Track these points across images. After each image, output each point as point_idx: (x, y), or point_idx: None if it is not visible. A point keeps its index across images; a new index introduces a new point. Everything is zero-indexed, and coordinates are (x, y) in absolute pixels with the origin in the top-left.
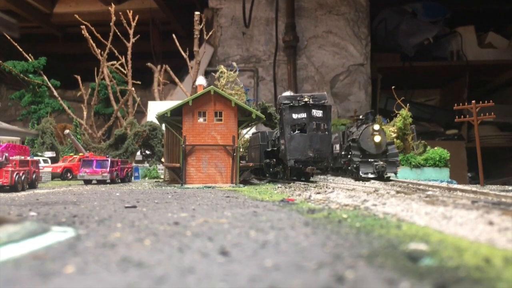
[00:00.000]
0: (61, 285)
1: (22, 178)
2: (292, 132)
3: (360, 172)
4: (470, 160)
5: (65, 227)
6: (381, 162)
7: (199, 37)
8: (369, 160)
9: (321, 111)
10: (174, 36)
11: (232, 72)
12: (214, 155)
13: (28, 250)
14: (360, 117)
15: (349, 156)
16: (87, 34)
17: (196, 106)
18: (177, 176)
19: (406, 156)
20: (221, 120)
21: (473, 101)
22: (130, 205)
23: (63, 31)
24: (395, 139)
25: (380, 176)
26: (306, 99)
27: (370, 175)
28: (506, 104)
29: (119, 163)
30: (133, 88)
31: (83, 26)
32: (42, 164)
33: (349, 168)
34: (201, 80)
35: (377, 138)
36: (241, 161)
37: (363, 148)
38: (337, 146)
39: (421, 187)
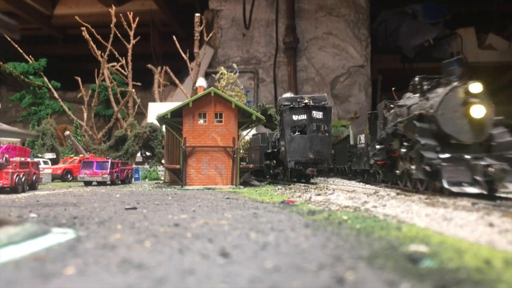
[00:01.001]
0: (61, 287)
1: (23, 179)
2: (292, 133)
3: (445, 181)
4: None
5: (65, 229)
6: (495, 161)
7: (199, 39)
8: (464, 157)
9: (321, 113)
10: (174, 37)
11: (232, 74)
12: (214, 157)
13: (28, 251)
14: (417, 80)
15: (402, 150)
16: (87, 36)
17: (197, 108)
18: (177, 177)
19: None
20: (221, 121)
21: None
22: (130, 206)
23: (64, 33)
24: None
25: (490, 190)
26: (306, 101)
27: (469, 189)
28: (506, 106)
29: (119, 165)
30: (133, 90)
31: (83, 28)
32: (42, 165)
33: (397, 172)
34: (201, 82)
35: (478, 111)
36: (241, 163)
37: (446, 132)
38: (361, 138)
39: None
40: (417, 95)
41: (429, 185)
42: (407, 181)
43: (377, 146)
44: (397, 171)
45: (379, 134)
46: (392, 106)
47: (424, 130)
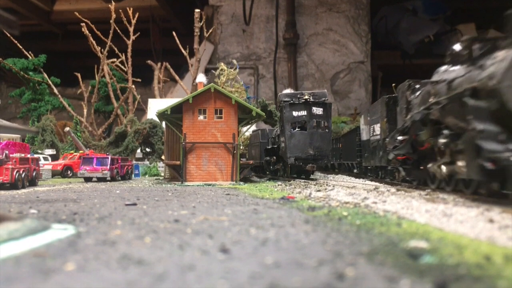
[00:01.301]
0: (61, 283)
1: (22, 175)
2: (292, 129)
3: None
4: None
5: (65, 225)
6: None
7: (199, 35)
8: None
9: (321, 109)
10: (174, 33)
11: (232, 70)
12: (214, 153)
13: (28, 247)
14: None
15: (441, 140)
16: (87, 32)
17: (196, 104)
18: (177, 173)
19: None
20: (221, 117)
21: None
22: (130, 202)
23: (63, 29)
24: None
25: None
26: (306, 97)
27: None
28: None
29: (119, 161)
30: (133, 86)
31: (83, 24)
32: (42, 161)
33: (430, 167)
34: (201, 78)
35: None
36: (241, 159)
37: None
38: (376, 129)
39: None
40: (459, 66)
41: (481, 187)
42: (443, 181)
43: (399, 138)
44: (430, 167)
45: (400, 123)
46: (418, 86)
47: (480, 111)
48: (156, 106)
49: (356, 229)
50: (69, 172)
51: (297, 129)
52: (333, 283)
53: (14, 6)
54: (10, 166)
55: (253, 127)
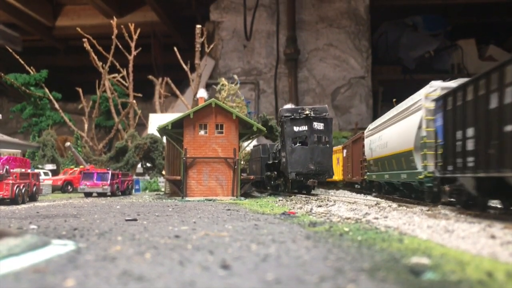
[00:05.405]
0: None
1: (23, 190)
2: (293, 144)
3: None
4: None
5: (65, 240)
6: None
7: (200, 50)
8: None
9: (322, 124)
10: (175, 49)
11: (233, 85)
12: (215, 168)
13: (28, 263)
14: None
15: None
16: (89, 47)
17: (197, 119)
18: (178, 189)
19: None
20: (222, 132)
21: None
22: (130, 218)
23: (65, 44)
24: None
25: None
26: (307, 112)
27: None
28: None
29: (119, 176)
30: (134, 101)
31: (85, 39)
32: (42, 176)
33: None
34: (202, 93)
35: None
36: (242, 174)
37: None
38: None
39: None
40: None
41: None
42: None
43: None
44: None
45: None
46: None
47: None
48: (157, 121)
49: (358, 245)
50: (69, 187)
51: (298, 144)
52: None
53: (16, 21)
54: (10, 181)
55: (254, 142)
